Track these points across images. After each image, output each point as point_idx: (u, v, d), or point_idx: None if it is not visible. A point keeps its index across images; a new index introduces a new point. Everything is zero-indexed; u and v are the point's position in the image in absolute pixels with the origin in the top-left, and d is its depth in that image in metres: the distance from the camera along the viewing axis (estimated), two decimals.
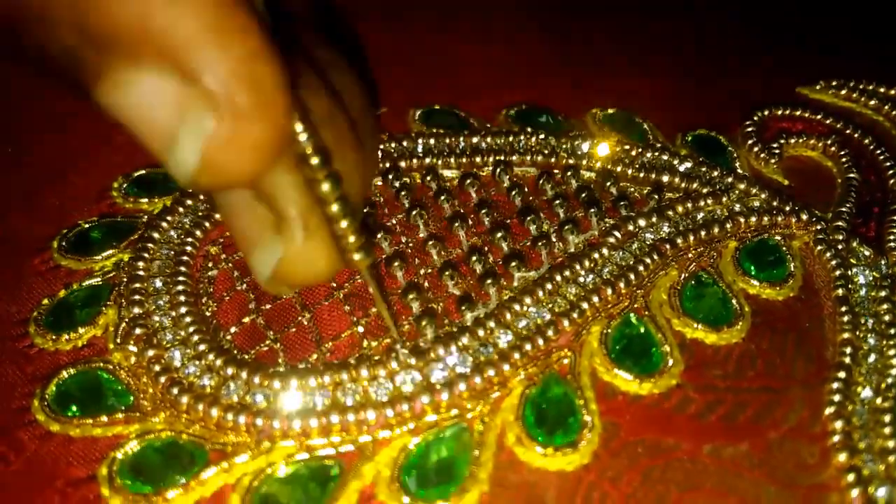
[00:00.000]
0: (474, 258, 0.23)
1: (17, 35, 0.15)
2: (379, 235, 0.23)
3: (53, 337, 0.21)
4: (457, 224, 0.24)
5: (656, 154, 0.26)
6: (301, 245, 0.17)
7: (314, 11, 0.21)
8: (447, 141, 0.26)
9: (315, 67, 0.18)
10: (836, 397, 0.21)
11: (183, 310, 0.21)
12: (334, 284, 0.23)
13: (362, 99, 0.20)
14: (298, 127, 0.15)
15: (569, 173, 0.25)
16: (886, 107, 0.29)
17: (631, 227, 0.24)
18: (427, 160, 0.26)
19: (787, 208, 0.25)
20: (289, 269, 0.17)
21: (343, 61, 0.20)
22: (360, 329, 0.21)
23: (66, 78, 0.16)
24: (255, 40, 0.14)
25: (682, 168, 0.26)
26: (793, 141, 0.28)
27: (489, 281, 0.22)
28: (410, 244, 0.23)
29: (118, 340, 0.21)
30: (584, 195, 0.25)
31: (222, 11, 0.14)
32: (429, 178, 0.25)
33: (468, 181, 0.25)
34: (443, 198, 0.24)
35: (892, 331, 0.22)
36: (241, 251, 0.19)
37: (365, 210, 0.23)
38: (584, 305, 0.21)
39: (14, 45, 0.16)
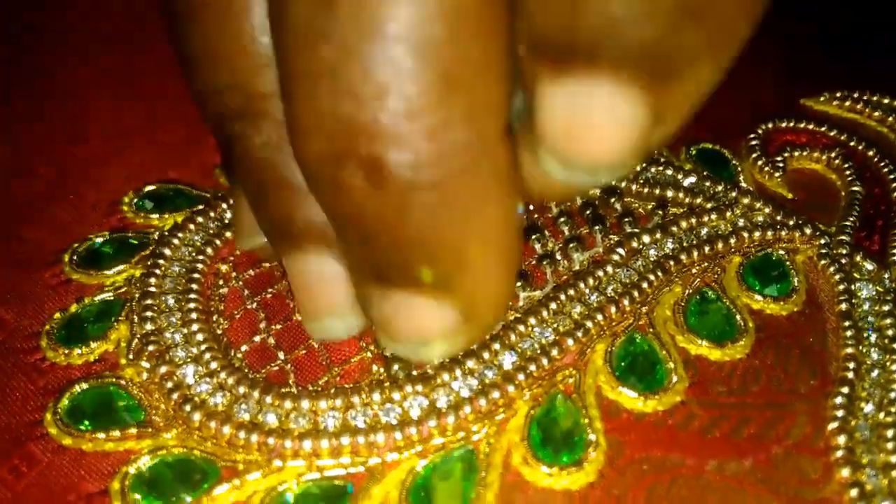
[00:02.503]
0: None
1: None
2: None
3: (66, 351, 0.21)
4: None
5: (660, 169, 0.26)
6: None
7: None
8: None
9: None
10: (840, 412, 0.21)
11: (195, 327, 0.21)
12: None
13: None
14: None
15: None
16: (891, 118, 0.30)
17: (635, 244, 0.24)
18: None
19: (791, 222, 0.25)
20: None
21: None
22: (370, 354, 0.22)
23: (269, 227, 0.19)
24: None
25: (686, 183, 0.26)
26: (797, 154, 0.28)
27: None
28: None
29: (130, 356, 0.21)
30: (588, 212, 0.25)
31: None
32: None
33: None
34: None
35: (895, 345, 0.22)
36: (306, 321, 0.20)
37: None
38: (589, 324, 0.22)
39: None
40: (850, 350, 0.22)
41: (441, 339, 0.16)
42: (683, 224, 0.24)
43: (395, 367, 0.21)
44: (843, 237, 0.25)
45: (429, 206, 0.14)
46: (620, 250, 0.24)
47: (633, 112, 0.13)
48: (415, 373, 0.21)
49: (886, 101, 0.30)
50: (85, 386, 0.20)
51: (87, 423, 0.20)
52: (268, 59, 0.16)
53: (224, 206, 0.24)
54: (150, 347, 0.21)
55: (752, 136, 0.28)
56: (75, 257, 0.23)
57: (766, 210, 0.25)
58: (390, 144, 0.13)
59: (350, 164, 0.14)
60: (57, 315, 0.22)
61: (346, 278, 0.18)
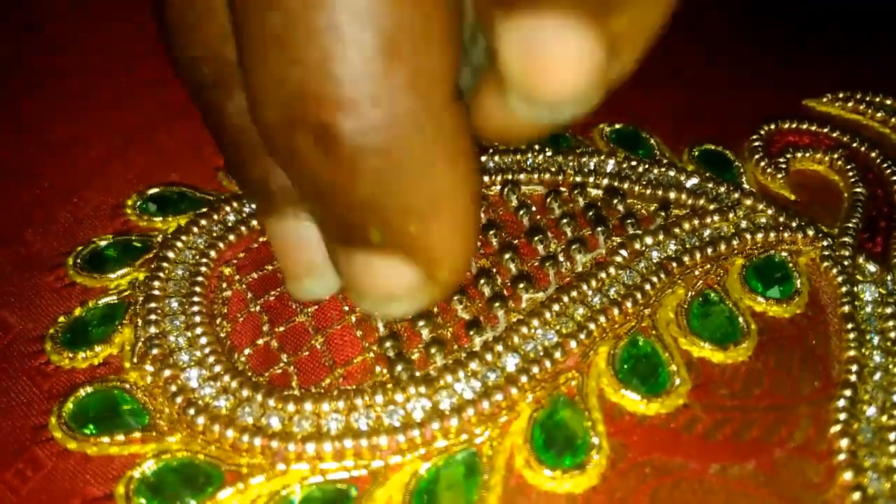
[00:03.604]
0: (482, 280, 0.23)
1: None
2: None
3: (70, 354, 0.21)
4: None
5: (663, 170, 0.26)
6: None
7: None
8: None
9: None
10: (842, 416, 0.21)
11: (199, 330, 0.21)
12: (346, 308, 0.23)
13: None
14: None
15: (576, 191, 0.26)
16: (894, 119, 0.29)
17: (638, 246, 0.24)
18: None
19: (794, 224, 0.25)
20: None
21: None
22: (372, 355, 0.22)
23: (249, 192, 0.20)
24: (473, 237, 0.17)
25: (688, 184, 0.26)
26: (799, 155, 0.28)
27: (497, 303, 0.22)
28: None
29: (135, 360, 0.21)
30: (591, 213, 0.25)
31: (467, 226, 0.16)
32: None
33: None
34: None
35: None
36: (286, 279, 0.21)
37: None
38: (592, 326, 0.22)
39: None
40: (852, 353, 0.22)
41: (405, 297, 0.17)
42: (686, 226, 0.24)
43: (399, 368, 0.21)
44: (846, 239, 0.25)
45: (377, 170, 0.14)
46: (623, 252, 0.24)
47: (582, 45, 0.14)
48: (418, 374, 0.21)
49: (889, 101, 0.30)
50: (89, 390, 0.21)
51: (91, 427, 0.20)
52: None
53: (227, 209, 0.24)
54: (154, 351, 0.21)
55: (754, 137, 0.28)
56: (79, 261, 0.24)
57: (769, 212, 0.25)
58: (337, 111, 0.14)
59: (301, 130, 0.14)
60: (61, 319, 0.22)
61: (321, 239, 0.18)
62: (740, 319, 0.23)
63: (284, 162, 0.16)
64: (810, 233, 0.25)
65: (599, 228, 0.24)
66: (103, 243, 0.24)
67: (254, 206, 0.20)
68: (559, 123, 0.16)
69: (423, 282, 0.17)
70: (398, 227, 0.16)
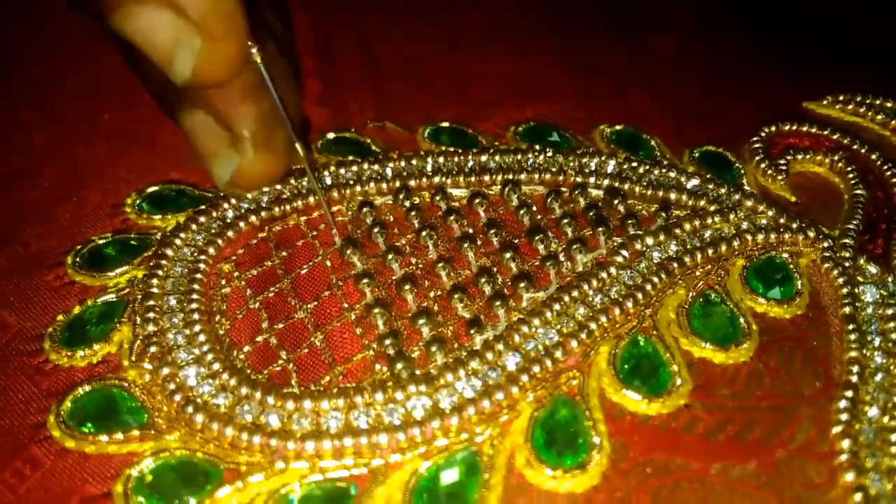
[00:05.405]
0: (483, 279, 0.23)
1: None
2: (389, 256, 0.24)
3: (68, 353, 0.21)
4: (466, 245, 0.24)
5: (664, 171, 0.26)
6: (252, 156, 0.23)
7: None
8: (456, 160, 0.26)
9: (265, 22, 0.26)
10: (844, 416, 0.21)
11: (197, 328, 0.21)
12: (346, 305, 0.23)
13: (293, 47, 0.28)
14: (256, 56, 0.21)
15: (577, 192, 0.26)
16: (894, 121, 0.30)
17: (638, 246, 0.24)
18: (436, 179, 0.26)
19: (795, 226, 0.25)
20: (244, 175, 0.23)
21: (280, 23, 0.27)
22: (372, 352, 0.22)
23: (88, 7, 0.22)
24: None
25: (689, 185, 0.26)
26: (800, 157, 0.28)
27: (498, 302, 0.22)
28: (420, 266, 0.24)
29: (133, 358, 0.21)
30: (592, 213, 0.25)
31: None
32: (438, 197, 0.25)
33: (477, 200, 0.25)
34: (452, 218, 0.25)
35: None
36: (205, 164, 0.24)
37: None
38: (593, 326, 0.22)
39: None
40: (853, 353, 0.22)
41: (183, 49, 0.20)
42: (687, 226, 0.24)
43: (399, 366, 0.21)
44: (847, 240, 0.25)
45: None
46: (624, 252, 0.23)
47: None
48: (418, 372, 0.21)
49: (889, 104, 0.30)
50: (88, 388, 0.20)
51: (89, 425, 0.20)
52: None
53: (226, 205, 0.24)
54: (153, 349, 0.21)
55: (755, 139, 0.28)
56: (78, 259, 0.23)
57: (770, 213, 0.25)
58: None
59: None
60: (60, 317, 0.22)
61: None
62: (741, 320, 0.23)
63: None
64: (811, 234, 0.25)
65: (600, 229, 0.24)
66: (102, 241, 0.24)
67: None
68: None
69: (178, 22, 0.20)
70: None
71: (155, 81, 0.23)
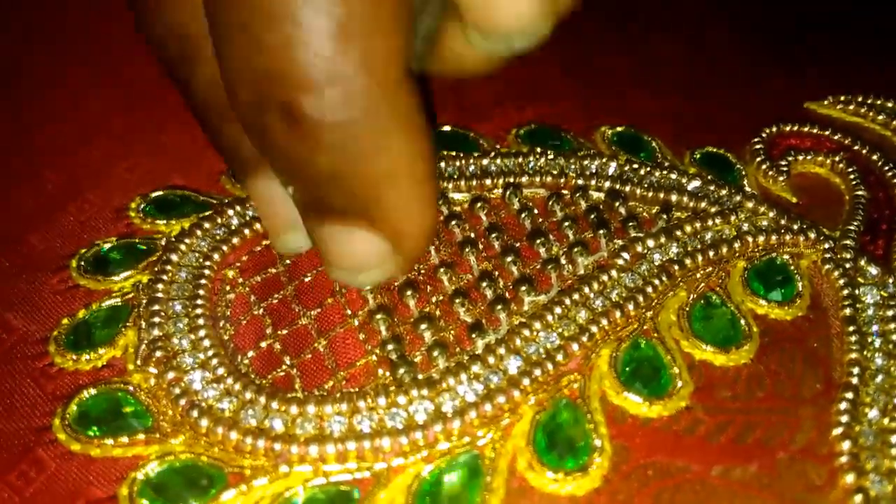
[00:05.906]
0: (484, 283, 0.23)
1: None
2: None
3: (74, 357, 0.21)
4: (467, 249, 0.24)
5: (664, 173, 0.26)
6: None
7: None
8: (457, 164, 0.26)
9: None
10: (844, 418, 0.21)
11: (202, 333, 0.21)
12: (349, 312, 0.23)
13: None
14: None
15: (578, 194, 0.26)
16: (895, 122, 0.30)
17: (639, 248, 0.24)
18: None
19: (796, 227, 0.25)
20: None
21: None
22: (375, 357, 0.22)
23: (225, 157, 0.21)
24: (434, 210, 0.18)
25: (690, 187, 0.26)
26: (801, 158, 0.28)
27: (499, 306, 0.22)
28: (422, 271, 0.24)
29: (138, 362, 0.21)
30: (593, 216, 0.25)
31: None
32: (439, 201, 0.25)
33: (478, 204, 0.25)
34: (453, 223, 0.25)
35: None
36: (269, 236, 0.23)
37: None
38: (594, 329, 0.22)
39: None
40: (854, 355, 0.22)
41: (374, 266, 0.19)
42: (688, 228, 0.24)
43: (401, 370, 0.21)
44: (848, 241, 0.25)
45: (337, 143, 0.16)
46: (625, 255, 0.24)
47: None
48: (420, 377, 0.21)
49: (890, 104, 0.30)
50: (93, 392, 0.21)
51: (95, 428, 0.20)
52: (200, 6, 0.17)
53: (230, 212, 0.24)
54: (158, 353, 0.21)
55: (756, 140, 0.28)
56: (83, 263, 0.24)
57: (771, 214, 0.25)
58: (298, 90, 0.15)
59: (268, 109, 0.16)
60: (65, 321, 0.22)
61: None
62: (742, 322, 0.23)
63: (257, 138, 0.17)
64: (812, 235, 0.25)
65: (601, 231, 0.24)
66: (107, 246, 0.24)
67: (233, 171, 0.23)
68: (514, 54, 0.18)
69: (389, 250, 0.18)
70: (359, 197, 0.17)
71: (221, 133, 0.20)
